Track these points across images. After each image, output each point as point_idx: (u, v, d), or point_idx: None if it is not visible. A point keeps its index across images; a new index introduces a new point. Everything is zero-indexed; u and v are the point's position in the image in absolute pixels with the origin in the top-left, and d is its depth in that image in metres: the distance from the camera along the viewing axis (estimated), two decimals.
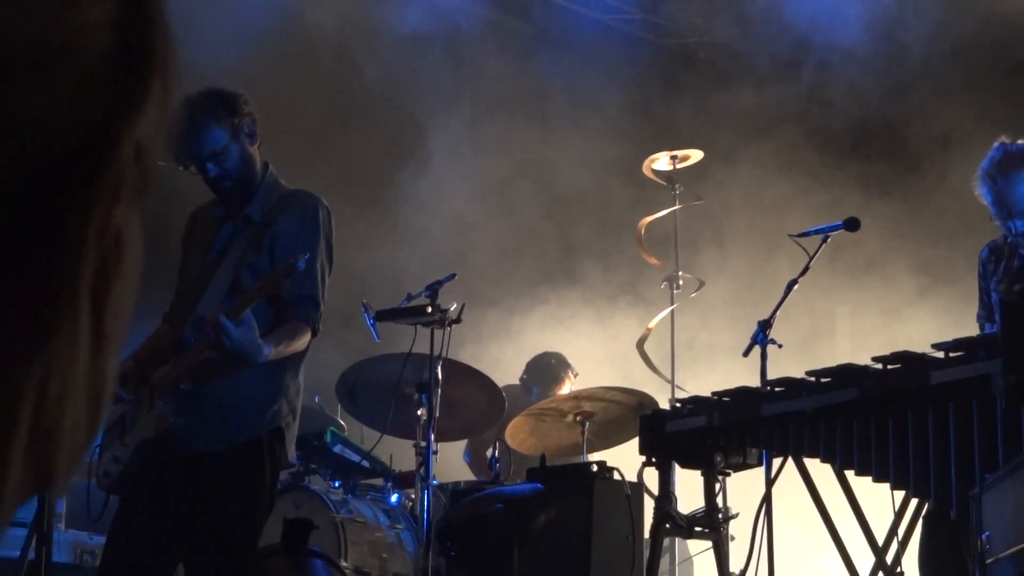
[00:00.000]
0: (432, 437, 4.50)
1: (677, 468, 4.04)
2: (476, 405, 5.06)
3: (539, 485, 4.30)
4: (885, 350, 3.43)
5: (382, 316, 4.64)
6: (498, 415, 5.10)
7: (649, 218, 5.74)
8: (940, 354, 3.28)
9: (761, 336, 4.13)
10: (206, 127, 3.31)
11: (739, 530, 4.39)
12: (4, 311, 0.45)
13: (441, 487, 4.73)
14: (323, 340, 3.64)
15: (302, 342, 3.37)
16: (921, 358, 3.33)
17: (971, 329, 3.96)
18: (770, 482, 3.86)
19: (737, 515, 4.34)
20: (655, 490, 4.04)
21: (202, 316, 3.25)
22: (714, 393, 3.89)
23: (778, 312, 4.21)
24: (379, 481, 5.13)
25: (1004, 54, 6.59)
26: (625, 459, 4.53)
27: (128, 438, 3.34)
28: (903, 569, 3.80)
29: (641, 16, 7.43)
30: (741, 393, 3.82)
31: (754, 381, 4.00)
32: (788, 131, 6.97)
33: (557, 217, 7.19)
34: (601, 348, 6.67)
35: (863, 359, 3.49)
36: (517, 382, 5.95)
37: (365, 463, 4.99)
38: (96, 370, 0.48)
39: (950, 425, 3.20)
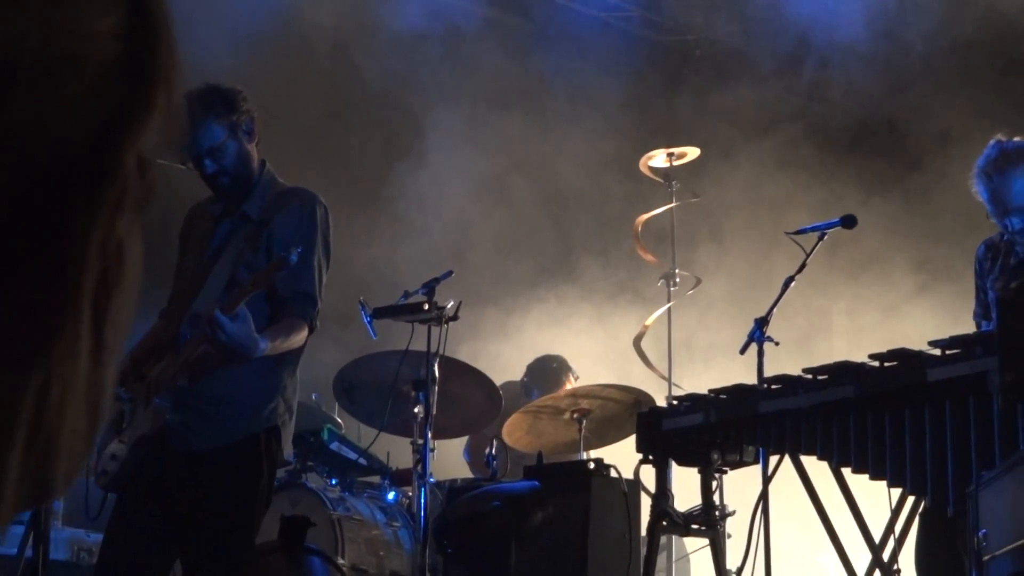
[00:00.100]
0: (429, 435, 4.50)
1: (674, 465, 4.04)
2: (473, 403, 5.06)
3: (536, 483, 4.30)
4: (882, 347, 3.43)
5: (379, 313, 4.63)
6: (495, 412, 5.10)
7: (646, 215, 5.74)
8: (937, 351, 3.28)
9: (758, 333, 4.13)
10: (204, 123, 3.32)
11: (736, 528, 4.39)
12: (5, 317, 0.45)
13: (438, 485, 4.73)
14: (320, 337, 3.64)
15: (299, 338, 3.36)
16: (918, 355, 3.34)
17: (969, 326, 3.96)
18: (767, 480, 3.86)
19: (734, 513, 4.35)
20: (652, 488, 4.04)
21: (198, 312, 3.25)
22: (711, 391, 3.89)
23: (775, 309, 4.21)
24: (376, 479, 5.13)
25: (1003, 51, 6.59)
26: (622, 457, 4.53)
27: (125, 435, 3.34)
28: (900, 566, 3.80)
29: (639, 13, 7.43)
30: (738, 390, 3.82)
31: (751, 378, 4.00)
32: (787, 128, 6.98)
33: (555, 214, 7.19)
34: (598, 345, 6.67)
35: (860, 356, 3.49)
36: (515, 380, 5.95)
37: (362, 461, 4.99)
38: (95, 379, 0.48)
39: (947, 422, 3.20)
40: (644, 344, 5.65)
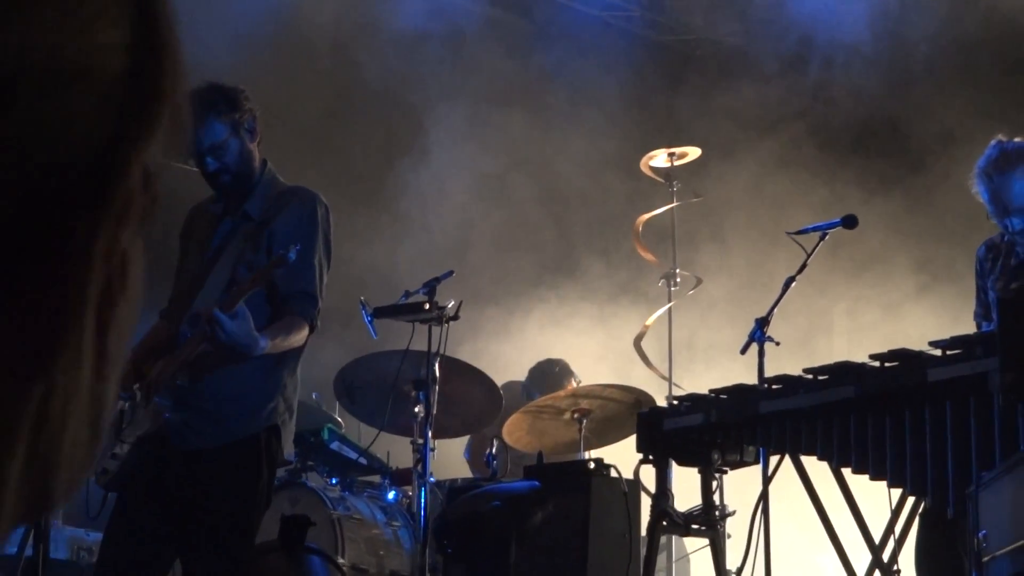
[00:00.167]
0: (429, 434, 4.50)
1: (674, 465, 4.04)
2: (474, 402, 5.06)
3: (536, 482, 4.30)
4: (883, 348, 3.43)
5: (380, 313, 4.63)
6: (496, 412, 5.10)
7: (647, 215, 5.74)
8: (937, 352, 3.28)
9: (759, 333, 4.13)
10: (206, 121, 3.32)
11: (736, 528, 4.39)
12: (9, 327, 0.46)
13: (438, 484, 4.73)
14: (321, 337, 3.64)
15: (300, 337, 3.36)
16: (918, 356, 3.33)
17: (970, 327, 3.96)
18: (767, 480, 3.86)
19: (734, 513, 4.34)
20: (652, 487, 4.04)
21: (198, 311, 3.25)
22: (711, 391, 3.89)
23: (776, 309, 4.20)
24: (376, 478, 5.13)
25: (1006, 51, 6.59)
26: (622, 456, 4.53)
27: (125, 434, 3.33)
28: (900, 567, 3.80)
29: (640, 13, 7.43)
30: (738, 391, 3.81)
31: (752, 379, 4.00)
32: (788, 128, 6.97)
33: (556, 214, 7.19)
34: (599, 345, 6.67)
35: (861, 357, 3.49)
36: (518, 379, 5.95)
37: (362, 460, 4.99)
38: (98, 390, 0.49)
39: (947, 423, 3.20)
40: (645, 344, 5.65)
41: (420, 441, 4.56)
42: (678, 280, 5.70)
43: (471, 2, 7.12)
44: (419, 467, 4.53)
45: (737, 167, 6.88)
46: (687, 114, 6.98)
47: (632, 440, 4.14)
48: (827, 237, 4.24)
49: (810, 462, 3.75)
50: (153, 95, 0.48)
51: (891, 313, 6.54)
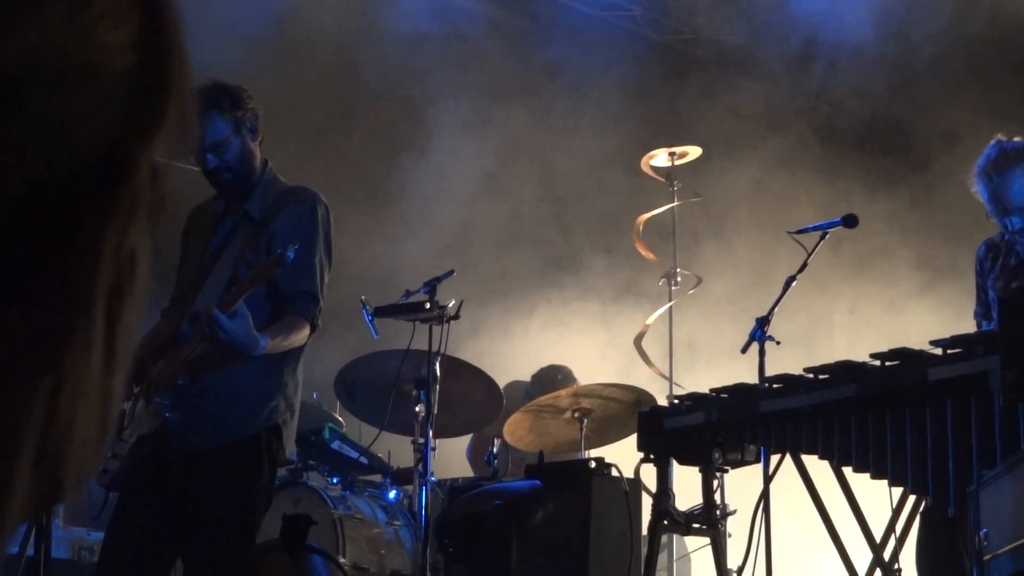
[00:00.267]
0: (430, 433, 4.51)
1: (675, 465, 4.04)
2: (475, 401, 5.06)
3: (537, 482, 4.31)
4: (885, 346, 3.43)
5: (380, 312, 4.64)
6: (496, 411, 5.10)
7: (647, 215, 5.75)
8: (938, 351, 3.28)
9: (759, 333, 4.13)
10: (208, 117, 3.32)
11: (737, 527, 4.39)
12: (18, 322, 0.46)
13: (439, 483, 4.73)
14: (321, 336, 3.64)
15: (300, 336, 3.36)
16: (919, 355, 3.33)
17: (973, 325, 3.96)
18: (768, 479, 3.87)
19: (735, 512, 4.35)
20: (653, 487, 4.04)
21: (197, 311, 3.25)
22: (712, 390, 3.89)
23: (776, 309, 4.21)
24: (377, 477, 5.13)
25: (1011, 51, 6.59)
26: (623, 456, 4.53)
27: (126, 434, 3.34)
28: (900, 566, 3.80)
29: (640, 12, 7.43)
30: (739, 390, 3.82)
31: (752, 378, 4.00)
32: (792, 127, 6.97)
33: (557, 214, 7.19)
34: (600, 345, 6.68)
35: (862, 356, 3.49)
36: (521, 379, 5.95)
37: (363, 459, 4.99)
38: (106, 384, 0.49)
39: (948, 422, 3.20)
40: (646, 343, 5.65)
41: (421, 440, 4.56)
42: (679, 279, 5.70)
43: (473, 1, 7.12)
44: (420, 466, 4.53)
45: (739, 166, 6.88)
46: (689, 113, 6.98)
47: (633, 439, 4.14)
48: (828, 236, 4.25)
49: (811, 461, 3.75)
50: (160, 93, 0.49)
51: (893, 312, 6.53)
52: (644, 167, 5.67)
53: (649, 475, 4.13)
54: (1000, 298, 3.30)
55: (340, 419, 5.38)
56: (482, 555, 4.22)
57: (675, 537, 5.11)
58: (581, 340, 6.67)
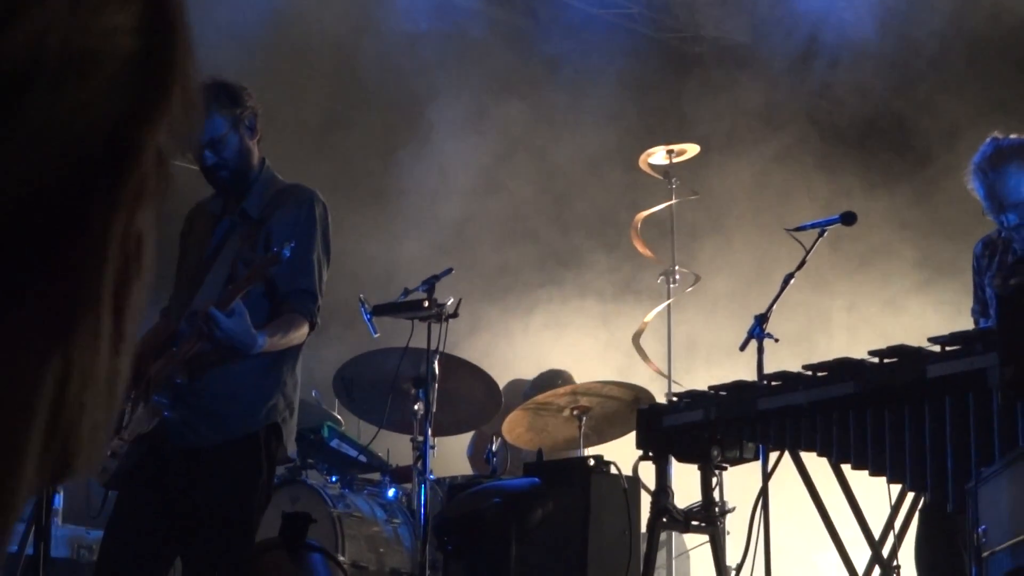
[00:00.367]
0: (429, 432, 4.51)
1: (674, 462, 4.04)
2: (473, 400, 5.06)
3: (536, 479, 4.31)
4: (884, 344, 3.43)
5: (379, 311, 4.64)
6: (495, 409, 5.10)
7: (645, 212, 5.75)
8: (937, 348, 3.29)
9: (758, 330, 4.14)
10: (208, 114, 3.31)
11: (736, 524, 4.40)
12: (28, 307, 0.46)
13: (438, 481, 4.74)
14: (320, 335, 3.64)
15: (299, 334, 3.36)
16: (918, 352, 3.34)
17: (973, 323, 3.96)
18: (767, 476, 3.87)
19: (734, 509, 4.35)
20: (651, 484, 4.04)
21: (195, 309, 3.25)
22: (711, 387, 3.89)
23: (775, 306, 4.21)
24: (376, 476, 5.13)
25: (1012, 48, 6.59)
26: (622, 453, 4.53)
27: (125, 433, 3.34)
28: (899, 563, 3.80)
29: (638, 10, 7.43)
30: (738, 387, 3.82)
31: (751, 375, 4.00)
32: (791, 124, 6.97)
33: (556, 212, 7.19)
34: (600, 343, 6.68)
35: (860, 353, 3.50)
36: (523, 377, 5.94)
37: (362, 458, 4.99)
38: (114, 366, 0.49)
39: (946, 419, 3.20)
40: (645, 341, 5.66)
41: (420, 438, 4.56)
42: (677, 277, 5.70)
43: (473, 1, 7.12)
44: (419, 464, 4.54)
45: (738, 164, 6.88)
46: (688, 110, 6.98)
47: (632, 437, 4.14)
48: (826, 234, 4.25)
49: (809, 458, 3.75)
50: (164, 75, 0.49)
51: (892, 309, 6.54)
52: (642, 165, 5.67)
53: (648, 473, 4.13)
54: (998, 295, 3.30)
55: (339, 417, 5.38)
56: (481, 553, 4.22)
57: (674, 534, 5.12)
58: (580, 338, 6.67)
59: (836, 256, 6.38)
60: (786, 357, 4.22)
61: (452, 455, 5.85)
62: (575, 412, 5.01)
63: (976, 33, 6.34)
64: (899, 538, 3.80)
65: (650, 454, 4.00)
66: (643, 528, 4.21)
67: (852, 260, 6.67)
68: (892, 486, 3.60)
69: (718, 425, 3.84)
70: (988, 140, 3.80)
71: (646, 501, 4.19)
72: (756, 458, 3.96)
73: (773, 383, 3.72)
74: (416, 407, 4.64)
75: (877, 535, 3.81)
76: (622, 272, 6.90)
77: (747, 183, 6.89)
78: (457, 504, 4.36)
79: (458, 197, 6.87)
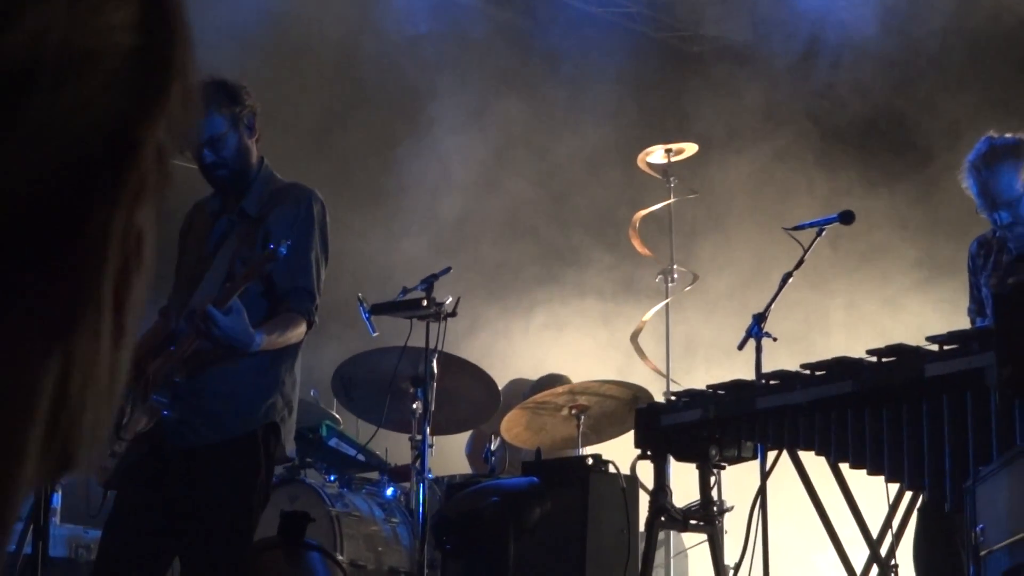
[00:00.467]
0: (428, 431, 4.51)
1: (672, 461, 4.05)
2: (472, 399, 5.06)
3: (535, 478, 4.31)
4: (883, 343, 3.43)
5: (377, 310, 4.64)
6: (494, 408, 5.10)
7: (644, 211, 5.75)
8: (935, 347, 3.29)
9: (756, 329, 4.14)
10: (207, 113, 3.31)
11: (734, 523, 4.40)
12: (29, 304, 0.46)
13: (437, 481, 4.74)
14: (319, 334, 3.64)
15: (297, 333, 3.36)
16: (915, 351, 3.34)
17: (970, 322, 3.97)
18: (765, 475, 3.87)
19: (732, 508, 4.36)
20: (650, 483, 4.05)
21: (192, 308, 3.25)
22: (709, 386, 3.89)
23: (773, 305, 4.21)
24: (375, 475, 5.13)
25: (1013, 47, 6.59)
26: (620, 452, 4.54)
27: (124, 432, 3.34)
28: (897, 561, 3.81)
29: (637, 10, 7.43)
30: (736, 386, 3.82)
31: (749, 374, 4.01)
32: (791, 122, 6.97)
33: (555, 211, 7.19)
34: (598, 342, 6.68)
35: (859, 352, 3.50)
36: (524, 377, 5.94)
37: (361, 457, 4.99)
38: (115, 362, 0.50)
39: (944, 418, 3.21)
40: (644, 340, 5.66)
41: (418, 437, 4.56)
42: (675, 276, 5.70)
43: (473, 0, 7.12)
44: (417, 463, 4.54)
45: (738, 162, 6.88)
46: (687, 109, 6.98)
47: (630, 436, 4.15)
48: (824, 232, 4.25)
49: (808, 457, 3.76)
50: (163, 72, 0.49)
51: (890, 308, 6.54)
52: (640, 164, 5.67)
53: (646, 472, 4.13)
54: (995, 295, 3.30)
55: (337, 416, 5.38)
56: (479, 552, 4.22)
57: (672, 533, 5.12)
58: (578, 337, 6.67)
59: (836, 255, 6.38)
60: (784, 356, 4.23)
61: (451, 454, 5.85)
62: (573, 411, 5.01)
63: (977, 32, 6.35)
64: (897, 537, 3.80)
65: (648, 453, 4.00)
66: (641, 527, 4.21)
67: (851, 259, 6.67)
68: (890, 485, 3.60)
69: (716, 424, 3.84)
70: (983, 138, 3.84)
71: (644, 500, 4.19)
72: (754, 457, 3.96)
73: (771, 382, 3.72)
74: (415, 406, 4.65)
75: (875, 534, 3.81)
76: (620, 271, 6.90)
77: (747, 182, 6.90)
78: (456, 503, 4.36)
79: (457, 196, 6.88)
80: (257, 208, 3.44)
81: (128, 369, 0.51)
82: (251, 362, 3.29)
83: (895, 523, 3.80)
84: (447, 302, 4.53)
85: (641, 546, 4.11)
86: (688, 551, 5.44)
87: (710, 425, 3.86)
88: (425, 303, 4.50)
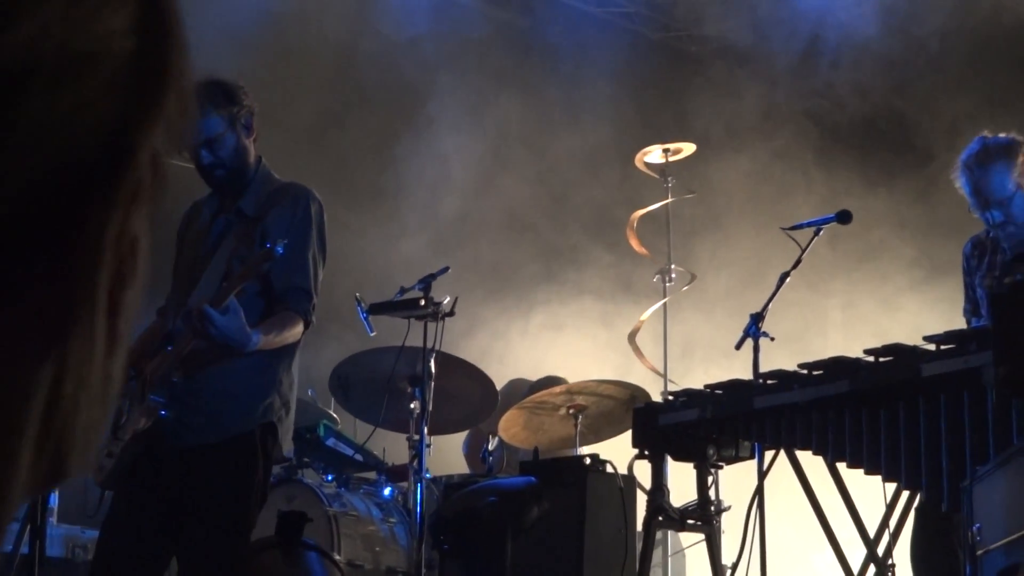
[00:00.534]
0: (425, 430, 4.51)
1: (670, 461, 4.05)
2: (469, 398, 5.06)
3: (532, 478, 4.31)
4: (880, 342, 3.44)
5: (375, 309, 4.64)
6: (491, 408, 5.10)
7: (641, 211, 5.76)
8: (932, 347, 3.29)
9: (753, 329, 4.14)
10: (204, 114, 3.31)
11: (731, 523, 4.40)
12: (21, 310, 0.46)
13: (434, 480, 4.74)
14: (317, 334, 3.64)
15: (294, 332, 3.36)
16: (912, 351, 3.34)
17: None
18: (762, 475, 3.87)
19: (729, 508, 4.36)
20: (647, 483, 4.05)
21: (189, 308, 3.25)
22: (706, 386, 3.90)
23: (771, 305, 4.22)
24: (372, 475, 5.13)
25: (1013, 46, 6.60)
26: (618, 452, 4.54)
27: (121, 432, 3.33)
28: (894, 561, 3.81)
29: (635, 10, 7.43)
30: (733, 386, 3.82)
31: (747, 374, 4.01)
32: (790, 122, 6.97)
33: (553, 210, 7.20)
34: (596, 342, 6.68)
35: (856, 351, 3.50)
36: (524, 377, 5.94)
37: (358, 457, 4.99)
38: (108, 369, 0.50)
39: (941, 417, 3.21)
40: (642, 340, 5.66)
41: (416, 437, 4.56)
42: (673, 276, 5.70)
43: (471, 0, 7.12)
44: (415, 463, 4.54)
45: (738, 161, 6.88)
46: (686, 109, 6.98)
47: (628, 436, 4.15)
48: (822, 232, 4.26)
49: (805, 457, 3.76)
50: (159, 78, 0.49)
51: (888, 308, 6.54)
52: (638, 163, 5.68)
53: (644, 471, 4.13)
54: (992, 294, 3.31)
55: (335, 416, 5.38)
56: (477, 552, 4.22)
57: (670, 533, 5.13)
58: (576, 337, 6.67)
59: (835, 254, 6.39)
60: (782, 356, 4.23)
61: (448, 454, 5.85)
62: (571, 411, 5.01)
63: (976, 32, 6.35)
64: (894, 536, 3.80)
65: (646, 453, 4.00)
66: (639, 527, 4.21)
67: (850, 258, 6.68)
68: (887, 484, 3.60)
69: (714, 424, 3.85)
70: (977, 138, 3.86)
71: (642, 500, 4.19)
72: (752, 457, 3.96)
73: (769, 382, 3.72)
74: (412, 406, 4.65)
75: (872, 533, 3.81)
76: (618, 270, 6.91)
77: (745, 181, 6.90)
78: (453, 503, 4.36)
79: (455, 195, 6.88)
80: (255, 208, 3.44)
81: (122, 377, 0.51)
82: (248, 362, 3.29)
83: (892, 522, 3.80)
84: (445, 301, 4.53)
85: (639, 546, 4.11)
86: (685, 551, 5.44)
87: (707, 425, 3.86)
88: (423, 303, 4.50)
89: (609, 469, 4.37)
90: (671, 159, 5.62)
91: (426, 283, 4.57)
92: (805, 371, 3.60)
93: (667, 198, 5.70)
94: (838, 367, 3.50)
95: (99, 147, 0.47)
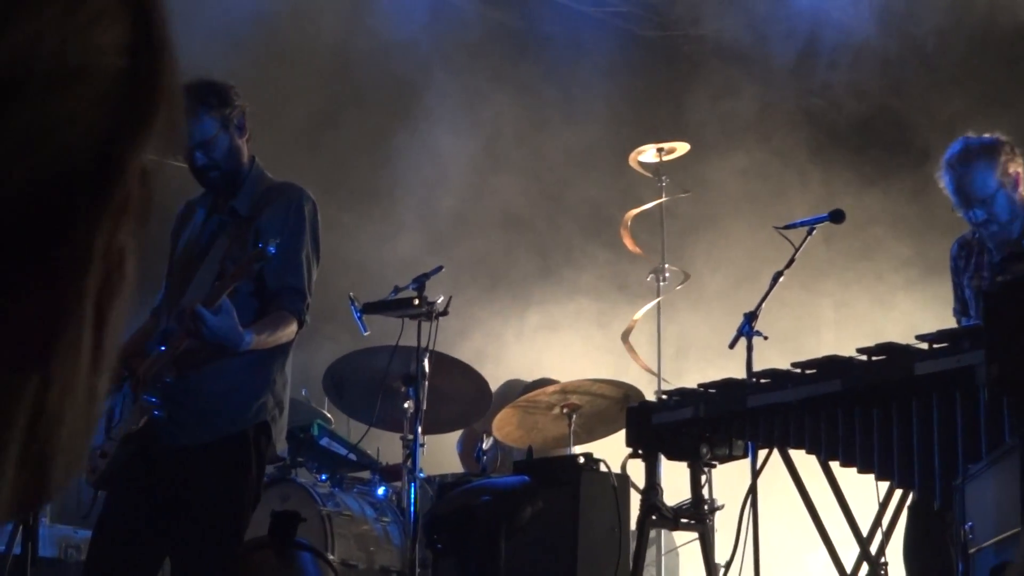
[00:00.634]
0: (419, 430, 4.51)
1: (663, 460, 4.05)
2: (463, 398, 5.07)
3: (526, 477, 4.31)
4: (874, 341, 3.44)
5: (369, 309, 4.64)
6: (485, 407, 5.10)
7: (635, 210, 5.76)
8: (924, 345, 3.30)
9: (747, 328, 4.15)
10: (196, 115, 3.31)
11: (725, 521, 4.41)
12: (7, 321, 0.46)
13: (428, 480, 4.74)
14: (311, 333, 3.63)
15: (287, 332, 3.36)
16: (905, 350, 3.35)
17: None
18: (755, 473, 3.88)
19: (723, 506, 4.36)
20: (641, 482, 4.05)
21: (182, 307, 3.25)
22: (700, 385, 3.90)
23: (764, 304, 4.22)
24: (366, 474, 5.13)
25: (1009, 46, 6.61)
26: (611, 451, 4.54)
27: (114, 432, 3.33)
28: (887, 559, 3.82)
29: (629, 9, 7.44)
30: (727, 385, 3.83)
31: (740, 373, 4.01)
32: (786, 121, 6.98)
33: (548, 210, 7.20)
34: (590, 341, 6.68)
35: (849, 350, 3.51)
36: (520, 378, 5.94)
37: (352, 456, 4.99)
38: (92, 383, 0.49)
39: (934, 416, 3.22)
40: (636, 339, 5.66)
41: (410, 437, 4.56)
42: (666, 275, 5.71)
43: (465, 0, 7.12)
44: (409, 463, 4.54)
45: (732, 161, 6.89)
46: (684, 108, 6.98)
47: (621, 435, 4.15)
48: (815, 231, 4.27)
49: (798, 456, 3.77)
50: (151, 94, 0.49)
51: (881, 307, 6.55)
52: (632, 163, 5.68)
53: (637, 470, 4.14)
54: (984, 293, 3.31)
55: (329, 416, 5.38)
56: (471, 551, 4.22)
57: (663, 532, 5.13)
58: (570, 336, 6.68)
59: (830, 253, 6.40)
60: (775, 355, 4.24)
61: (442, 453, 5.85)
62: (565, 410, 5.01)
63: (972, 32, 6.36)
64: (887, 535, 3.81)
65: (639, 452, 4.01)
66: (632, 526, 4.22)
67: (842, 258, 6.69)
68: (880, 483, 3.61)
69: (707, 423, 3.85)
70: (960, 139, 3.90)
71: (635, 499, 4.20)
72: (745, 456, 3.97)
73: (762, 381, 3.73)
74: (406, 405, 4.64)
75: (865, 532, 3.82)
76: (613, 270, 6.91)
77: (740, 180, 6.90)
78: (447, 502, 4.36)
79: (449, 195, 6.87)
80: (248, 207, 3.44)
81: (106, 393, 0.51)
82: (242, 361, 3.29)
83: (885, 521, 3.81)
84: (439, 301, 4.53)
85: (632, 545, 4.12)
86: (679, 549, 5.44)
87: (701, 424, 3.87)
88: (417, 302, 4.50)
89: (603, 468, 4.37)
90: (665, 158, 5.62)
91: (420, 282, 4.57)
92: (798, 370, 3.60)
93: (661, 197, 5.71)
94: (831, 366, 3.51)
95: (88, 159, 0.47)
